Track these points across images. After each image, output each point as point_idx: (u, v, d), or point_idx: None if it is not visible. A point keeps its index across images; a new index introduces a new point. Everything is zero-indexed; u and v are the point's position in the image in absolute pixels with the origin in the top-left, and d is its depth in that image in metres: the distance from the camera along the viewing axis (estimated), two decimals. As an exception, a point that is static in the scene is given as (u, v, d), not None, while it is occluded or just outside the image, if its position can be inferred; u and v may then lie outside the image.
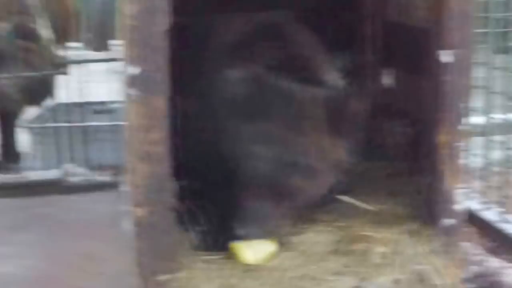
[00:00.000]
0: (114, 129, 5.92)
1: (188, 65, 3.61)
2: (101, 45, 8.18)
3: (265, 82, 3.49)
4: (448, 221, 3.70)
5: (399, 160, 4.47)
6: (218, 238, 3.76)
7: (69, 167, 6.08)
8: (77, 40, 6.21)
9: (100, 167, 6.23)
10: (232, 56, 3.81)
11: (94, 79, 7.08)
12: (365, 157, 4.27)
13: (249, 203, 3.56)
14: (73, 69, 6.51)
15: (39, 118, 6.44)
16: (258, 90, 3.47)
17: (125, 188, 4.62)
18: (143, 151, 3.33)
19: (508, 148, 4.40)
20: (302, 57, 3.88)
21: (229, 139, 3.62)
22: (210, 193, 3.86)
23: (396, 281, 3.58)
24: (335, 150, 3.69)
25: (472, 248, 4.69)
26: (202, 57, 4.06)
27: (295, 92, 3.55)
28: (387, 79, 4.73)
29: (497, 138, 4.54)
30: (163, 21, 3.24)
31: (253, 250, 3.63)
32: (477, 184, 4.80)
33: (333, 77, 3.89)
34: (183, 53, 3.43)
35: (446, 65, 3.56)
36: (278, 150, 3.49)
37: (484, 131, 4.59)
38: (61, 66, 6.16)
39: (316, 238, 3.77)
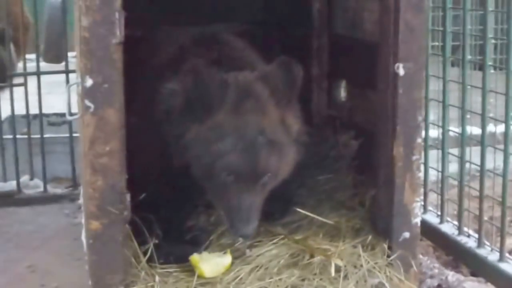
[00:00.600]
0: (71, 141, 5.88)
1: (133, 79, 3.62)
2: (58, 57, 8.12)
3: (201, 71, 3.50)
4: (404, 234, 3.71)
5: (344, 172, 4.48)
6: (174, 251, 3.75)
7: (25, 179, 6.03)
8: (34, 52, 6.13)
9: (56, 179, 6.18)
10: (169, 69, 3.82)
11: (52, 91, 7.04)
12: (310, 169, 4.28)
13: (235, 203, 3.54)
14: (30, 81, 6.46)
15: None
16: (196, 80, 3.48)
17: (80, 200, 4.61)
18: (98, 163, 3.30)
19: (465, 161, 4.43)
20: (233, 56, 3.92)
21: (180, 147, 3.61)
22: (165, 206, 3.85)
23: (353, 294, 3.59)
24: (294, 121, 3.70)
25: (428, 261, 4.71)
26: (143, 73, 4.06)
27: (232, 77, 3.58)
28: (334, 92, 4.76)
29: (453, 151, 4.57)
30: (116, 34, 3.23)
31: (210, 263, 3.61)
32: (433, 197, 4.82)
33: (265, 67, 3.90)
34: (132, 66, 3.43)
35: (395, 78, 3.57)
36: (239, 137, 3.49)
37: (439, 144, 4.61)
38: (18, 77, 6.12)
39: (273, 251, 3.76)
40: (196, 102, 3.53)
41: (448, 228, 4.59)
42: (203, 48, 3.91)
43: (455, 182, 4.60)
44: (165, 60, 4.01)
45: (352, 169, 4.44)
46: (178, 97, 3.61)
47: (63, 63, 6.14)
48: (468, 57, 4.39)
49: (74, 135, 5.72)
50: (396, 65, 3.55)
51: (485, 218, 4.36)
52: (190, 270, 3.63)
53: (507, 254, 4.16)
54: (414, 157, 3.65)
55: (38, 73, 6.02)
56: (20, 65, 6.23)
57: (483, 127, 4.20)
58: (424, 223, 4.26)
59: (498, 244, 4.16)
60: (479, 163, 4.23)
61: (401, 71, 3.55)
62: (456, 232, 4.49)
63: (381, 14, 3.71)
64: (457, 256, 4.60)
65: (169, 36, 4.26)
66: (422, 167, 3.82)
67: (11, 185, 5.95)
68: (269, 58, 3.86)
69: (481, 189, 4.24)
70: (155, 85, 3.76)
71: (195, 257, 3.63)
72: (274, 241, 3.82)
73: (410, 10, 3.52)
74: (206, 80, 3.50)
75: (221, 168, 3.51)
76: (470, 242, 4.36)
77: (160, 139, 3.70)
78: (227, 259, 3.66)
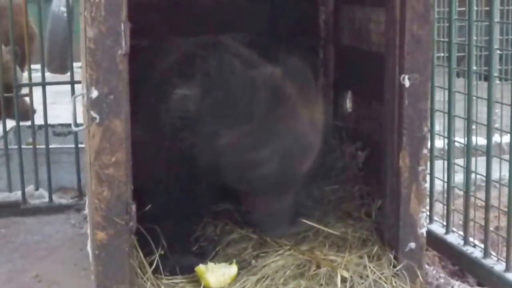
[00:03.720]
0: (77, 151, 5.89)
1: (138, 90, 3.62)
2: (62, 67, 8.13)
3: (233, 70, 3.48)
4: (410, 245, 3.71)
5: (350, 183, 4.48)
6: (180, 262, 3.75)
7: (31, 189, 6.03)
8: (39, 62, 6.14)
9: (62, 189, 6.18)
10: (176, 75, 3.81)
11: (58, 101, 7.05)
12: (316, 180, 4.28)
13: (270, 208, 3.55)
14: (35, 91, 6.47)
15: (2, 140, 6.39)
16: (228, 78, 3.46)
17: (86, 211, 4.61)
18: (103, 174, 3.31)
19: (470, 172, 4.42)
20: (244, 55, 3.90)
21: (209, 154, 3.58)
22: (171, 216, 3.85)
23: (359, 305, 3.59)
24: (318, 116, 3.69)
25: (434, 272, 4.70)
26: (147, 82, 4.06)
27: (257, 77, 3.55)
28: (340, 103, 4.75)
29: (459, 161, 4.56)
30: (122, 45, 3.24)
31: (216, 274, 3.61)
32: (439, 207, 4.81)
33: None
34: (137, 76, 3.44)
35: (401, 89, 3.58)
36: (277, 147, 3.49)
37: (445, 154, 4.61)
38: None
39: (279, 261, 3.76)
40: (224, 106, 3.51)
41: (454, 238, 4.58)
42: (211, 54, 3.89)
43: (461, 192, 4.59)
44: (170, 66, 4.01)
45: (358, 179, 4.43)
46: (192, 102, 3.59)
47: (68, 73, 6.14)
48: (474, 68, 4.38)
49: (80, 145, 5.72)
50: (402, 76, 3.55)
51: (491, 228, 4.35)
52: (196, 281, 3.63)
53: (513, 265, 4.15)
54: (420, 168, 3.66)
55: (43, 84, 6.02)
56: (25, 75, 6.23)
57: (489, 138, 4.20)
58: (430, 233, 4.26)
59: (504, 254, 4.15)
60: (484, 173, 4.23)
61: (407, 82, 3.55)
62: (462, 242, 4.48)
63: (387, 25, 3.72)
64: (463, 266, 4.58)
65: (174, 45, 4.26)
66: (428, 178, 3.82)
67: (17, 195, 5.95)
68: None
69: (487, 199, 4.23)
70: (160, 93, 3.75)
71: (201, 268, 3.63)
72: (280, 251, 3.82)
73: (416, 21, 3.53)
74: (233, 80, 3.47)
75: (259, 177, 3.52)
76: (476, 252, 4.35)
77: (167, 149, 3.70)
78: (233, 269, 3.66)
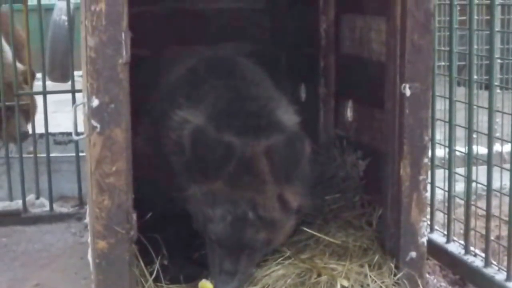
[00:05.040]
0: (78, 160, 5.88)
1: (140, 99, 3.62)
2: (64, 76, 8.14)
3: (205, 138, 3.50)
4: (411, 254, 3.70)
5: (351, 192, 4.48)
6: (182, 271, 3.74)
7: (31, 198, 6.03)
8: (40, 71, 6.14)
9: (63, 198, 6.18)
10: (181, 94, 3.83)
11: (59, 109, 7.05)
12: (317, 189, 4.28)
13: (218, 264, 3.58)
14: (37, 100, 6.48)
15: (3, 148, 6.40)
16: (198, 149, 3.49)
17: (86, 219, 4.60)
18: (104, 183, 3.31)
19: (471, 181, 4.42)
20: (250, 95, 3.88)
21: (181, 198, 3.66)
22: (171, 225, 3.85)
23: (360, 314, 3.59)
24: (293, 198, 3.70)
25: (435, 281, 4.70)
26: (152, 94, 4.07)
27: (236, 148, 3.55)
28: (341, 112, 4.75)
29: (460, 170, 4.56)
30: (122, 54, 3.24)
31: None
32: (440, 216, 4.81)
33: (289, 117, 3.89)
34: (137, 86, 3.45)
35: (402, 98, 3.58)
36: (230, 209, 3.53)
37: (446, 163, 4.61)
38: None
39: (280, 271, 3.76)
40: (196, 166, 3.55)
41: (455, 247, 4.57)
42: (220, 80, 3.90)
43: (462, 202, 4.59)
44: (175, 82, 4.01)
45: (359, 188, 4.43)
46: (188, 130, 3.60)
47: (69, 82, 6.14)
48: (475, 77, 4.39)
49: (81, 154, 5.71)
50: (403, 85, 3.56)
51: (492, 237, 4.35)
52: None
53: (514, 274, 4.15)
54: (421, 177, 3.66)
55: (44, 93, 6.02)
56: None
57: (490, 147, 4.19)
58: (430, 242, 4.26)
59: (505, 263, 4.14)
60: (485, 183, 4.23)
61: (408, 91, 3.56)
62: (463, 251, 4.48)
63: (388, 34, 3.73)
64: (464, 275, 4.57)
65: (177, 56, 4.26)
66: (428, 187, 3.82)
67: (17, 204, 5.95)
68: (278, 79, 3.86)
69: (487, 209, 4.22)
70: (165, 108, 3.77)
71: (205, 283, 3.60)
72: (280, 260, 3.82)
73: (417, 31, 3.54)
74: (210, 148, 3.50)
75: (209, 232, 3.59)
76: (477, 262, 4.34)
77: (166, 162, 3.71)
78: None
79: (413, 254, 3.71)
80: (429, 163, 3.86)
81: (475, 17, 4.38)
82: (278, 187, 3.61)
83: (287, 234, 3.79)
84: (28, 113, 6.21)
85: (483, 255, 4.33)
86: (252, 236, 3.55)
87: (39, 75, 6.29)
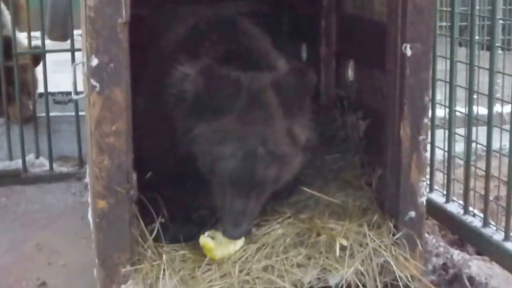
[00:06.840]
0: (78, 120, 5.88)
1: (140, 59, 3.59)
2: (64, 35, 8.10)
3: (214, 74, 3.48)
4: (410, 213, 3.71)
5: (351, 152, 4.48)
6: (181, 230, 3.75)
7: (31, 158, 6.04)
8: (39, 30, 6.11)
9: (62, 158, 6.19)
10: (182, 51, 3.81)
11: (58, 69, 7.03)
12: (317, 149, 4.28)
13: (228, 205, 3.56)
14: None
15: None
16: (208, 84, 3.47)
17: (86, 179, 4.61)
18: (104, 143, 3.30)
19: (471, 141, 4.42)
20: (251, 47, 3.88)
21: (186, 140, 3.62)
22: (171, 185, 3.85)
23: (358, 273, 3.60)
24: (302, 131, 3.69)
25: (434, 240, 4.72)
26: (152, 53, 4.04)
27: (243, 81, 3.54)
28: (342, 72, 4.74)
29: (460, 131, 4.56)
30: (122, 13, 3.22)
31: (222, 247, 3.60)
32: (439, 176, 4.82)
33: (282, 62, 3.89)
34: (138, 46, 3.42)
35: (403, 58, 3.56)
36: (240, 145, 3.50)
37: (446, 123, 4.61)
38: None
39: (279, 230, 3.77)
40: (206, 103, 3.52)
41: (454, 207, 4.59)
42: (221, 35, 3.89)
43: (462, 162, 4.60)
44: (176, 41, 3.99)
45: (359, 149, 4.43)
46: (190, 83, 3.59)
47: (69, 41, 6.12)
48: (476, 37, 4.37)
49: (80, 113, 5.71)
50: (404, 45, 3.54)
51: (491, 197, 4.36)
52: (197, 249, 3.63)
53: (512, 234, 4.17)
54: (421, 137, 3.65)
55: (43, 52, 6.01)
56: (25, 43, 6.20)
57: (490, 108, 4.20)
58: (430, 202, 4.28)
59: (503, 224, 4.16)
60: (485, 143, 4.23)
61: (409, 52, 3.54)
62: (462, 211, 4.50)
63: (390, -6, 3.70)
64: (462, 235, 4.60)
65: (176, 16, 4.24)
66: (428, 147, 3.82)
67: (17, 163, 5.96)
68: (279, 39, 3.83)
69: (487, 169, 4.24)
70: (165, 66, 3.75)
71: (206, 240, 3.61)
72: (280, 220, 3.83)
73: (419, -9, 3.51)
74: (219, 83, 3.48)
75: (219, 171, 3.53)
76: (475, 222, 4.36)
77: (168, 120, 3.70)
78: (240, 242, 3.65)
79: (412, 214, 3.71)
80: (429, 124, 3.86)
81: (477, -23, 4.36)
82: (287, 121, 3.59)
83: (294, 172, 3.75)
84: (30, 94, 6.17)
85: (481, 215, 4.35)
86: (262, 171, 3.52)
87: (37, 34, 6.25)
